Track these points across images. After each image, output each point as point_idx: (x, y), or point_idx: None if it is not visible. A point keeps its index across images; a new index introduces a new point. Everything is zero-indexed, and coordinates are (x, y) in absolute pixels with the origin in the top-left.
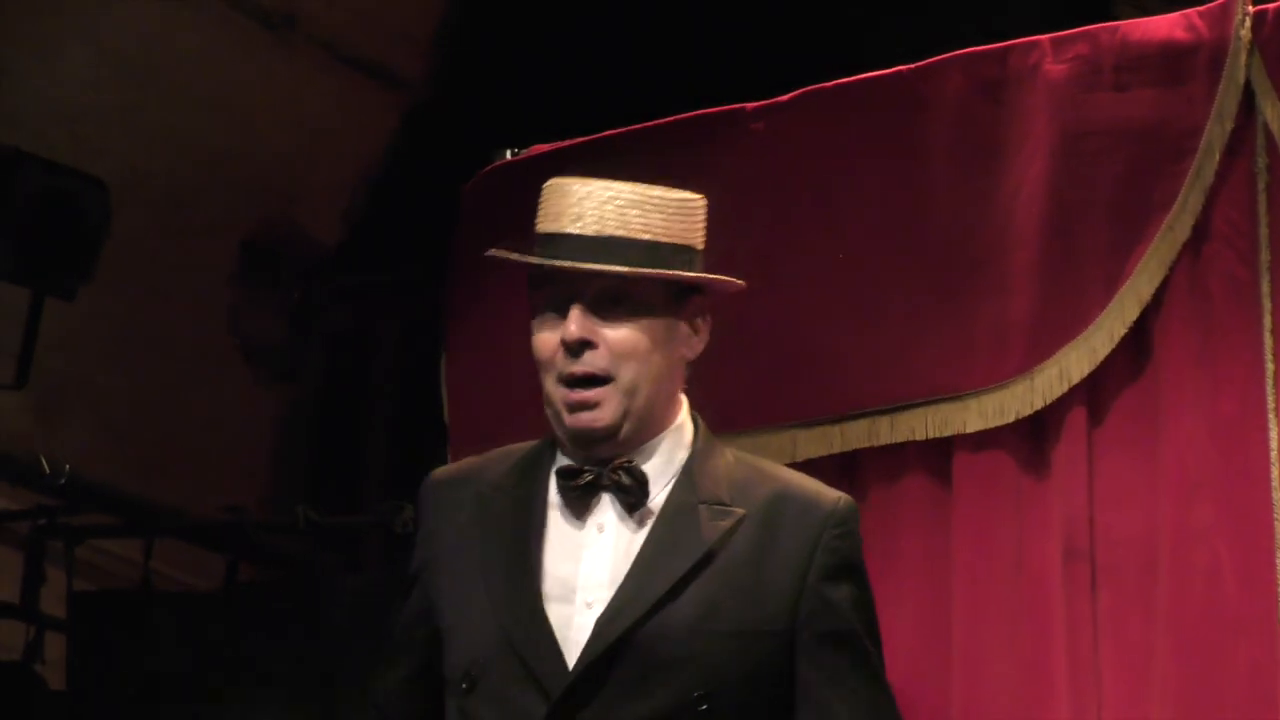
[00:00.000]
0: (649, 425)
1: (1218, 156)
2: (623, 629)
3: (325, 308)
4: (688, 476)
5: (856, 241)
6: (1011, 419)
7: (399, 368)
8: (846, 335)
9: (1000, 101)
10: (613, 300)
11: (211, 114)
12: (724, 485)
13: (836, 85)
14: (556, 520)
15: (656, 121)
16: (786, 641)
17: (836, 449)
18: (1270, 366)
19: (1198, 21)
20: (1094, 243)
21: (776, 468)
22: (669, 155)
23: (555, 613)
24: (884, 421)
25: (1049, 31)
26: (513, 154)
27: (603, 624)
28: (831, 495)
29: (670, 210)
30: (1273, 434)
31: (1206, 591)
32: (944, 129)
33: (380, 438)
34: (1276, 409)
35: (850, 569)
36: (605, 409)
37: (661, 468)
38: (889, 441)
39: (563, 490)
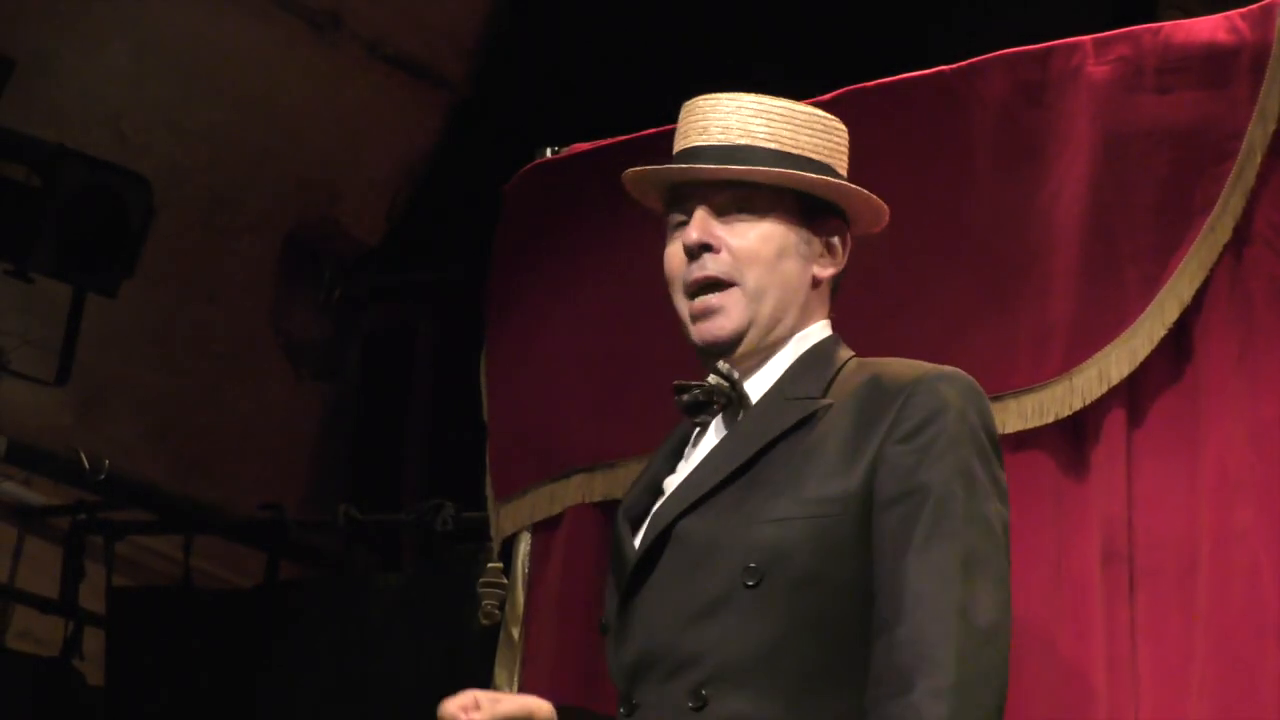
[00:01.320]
0: (775, 335)
1: (1260, 158)
2: (674, 515)
3: (366, 306)
4: (788, 377)
5: (896, 242)
6: (1051, 420)
7: (439, 366)
8: (886, 335)
9: (1041, 103)
10: (737, 207)
11: (254, 112)
12: (823, 382)
13: (878, 85)
14: (690, 445)
15: None
16: (858, 510)
17: None
18: None
19: (1240, 23)
20: (1134, 245)
21: (891, 360)
22: None
23: (645, 527)
24: None
25: (1091, 33)
26: (553, 152)
27: (655, 515)
28: (930, 367)
29: (800, 122)
30: None
31: (1246, 594)
32: (984, 130)
33: (420, 436)
34: None
35: (929, 425)
36: (730, 314)
37: (774, 374)
38: None
39: (679, 409)
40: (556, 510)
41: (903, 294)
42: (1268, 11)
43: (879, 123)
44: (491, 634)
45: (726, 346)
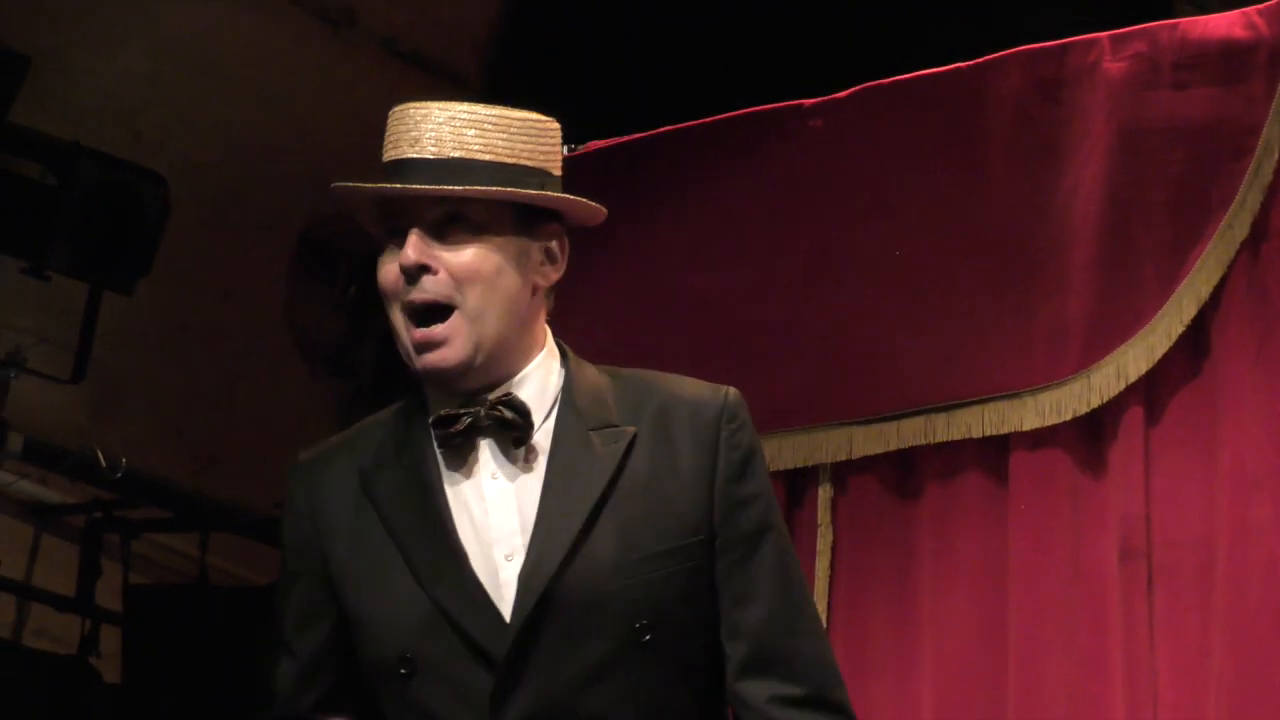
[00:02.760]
0: (506, 356)
1: (1277, 154)
2: (548, 577)
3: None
4: (569, 403)
5: (913, 239)
6: (1068, 417)
7: None
8: (903, 333)
9: (1058, 99)
10: (451, 222)
11: (269, 109)
12: (608, 405)
13: (894, 82)
14: (451, 477)
15: (714, 118)
16: (708, 560)
17: (893, 446)
18: None
19: (1257, 20)
20: (1152, 241)
21: (652, 375)
22: (727, 151)
23: (479, 573)
24: (940, 419)
25: (1107, 29)
26: (569, 150)
27: (526, 576)
28: (716, 391)
29: (514, 130)
30: None
31: (1263, 591)
32: (1002, 127)
33: None
34: None
35: (750, 460)
36: (453, 345)
37: (537, 399)
38: (945, 439)
39: (443, 442)
40: None
41: (919, 291)
42: None
43: (895, 120)
44: None
45: (453, 376)
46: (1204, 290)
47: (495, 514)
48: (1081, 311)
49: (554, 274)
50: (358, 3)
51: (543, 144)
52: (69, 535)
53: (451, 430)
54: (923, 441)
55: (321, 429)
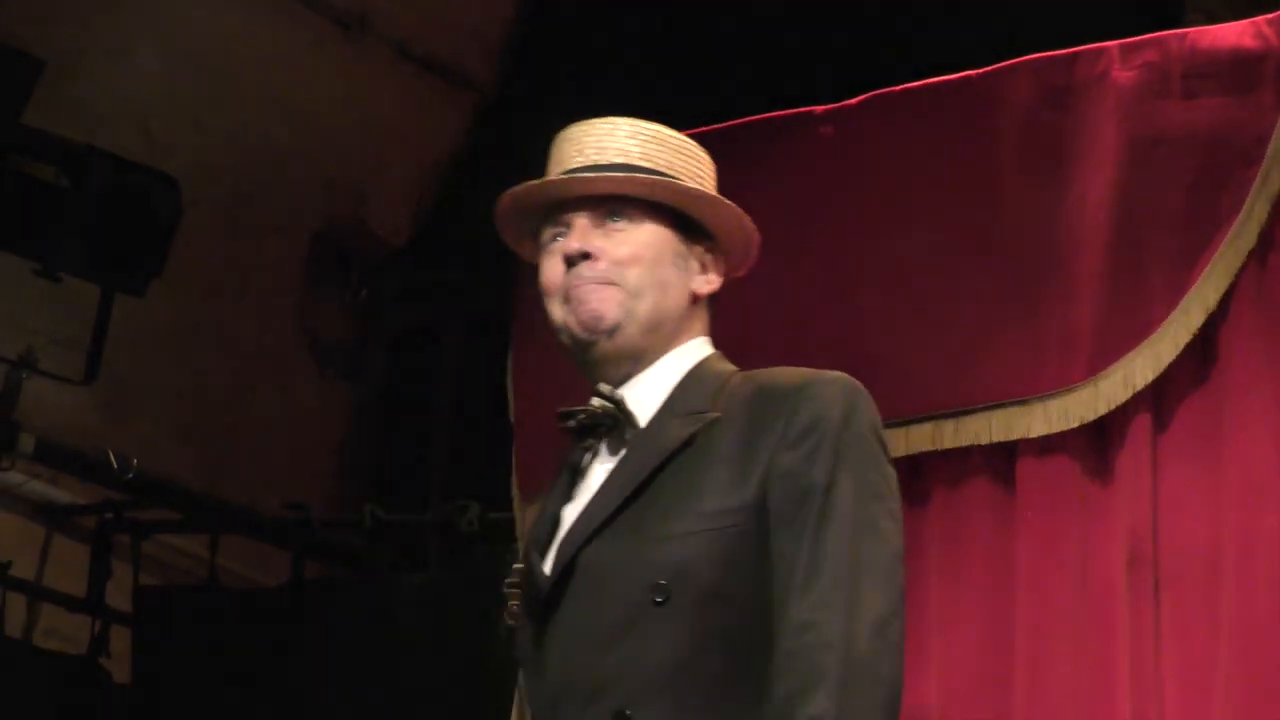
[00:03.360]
0: (652, 339)
1: None
2: (576, 546)
3: (392, 306)
4: (674, 395)
5: (923, 246)
6: (1076, 424)
7: (465, 366)
8: (912, 339)
9: (1068, 108)
10: (614, 218)
11: (282, 112)
12: (708, 396)
13: (905, 89)
14: (581, 472)
15: (724, 124)
16: (756, 520)
17: (901, 452)
18: None
19: (1266, 29)
20: (1160, 250)
21: (774, 369)
22: (737, 157)
23: (560, 548)
24: (949, 425)
25: (1117, 38)
26: None
27: (560, 547)
28: (814, 372)
29: (671, 147)
30: None
31: (1270, 600)
32: (1011, 135)
33: (446, 436)
34: None
35: (812, 432)
36: (608, 304)
37: (651, 394)
38: (953, 445)
39: (565, 433)
40: None
41: (928, 298)
42: None
43: (906, 127)
44: (514, 634)
45: (606, 332)
46: (1212, 299)
47: (581, 499)
48: (1089, 319)
49: (709, 286)
50: (370, 7)
51: (699, 166)
52: (80, 536)
53: (569, 424)
54: (931, 448)
55: (332, 431)
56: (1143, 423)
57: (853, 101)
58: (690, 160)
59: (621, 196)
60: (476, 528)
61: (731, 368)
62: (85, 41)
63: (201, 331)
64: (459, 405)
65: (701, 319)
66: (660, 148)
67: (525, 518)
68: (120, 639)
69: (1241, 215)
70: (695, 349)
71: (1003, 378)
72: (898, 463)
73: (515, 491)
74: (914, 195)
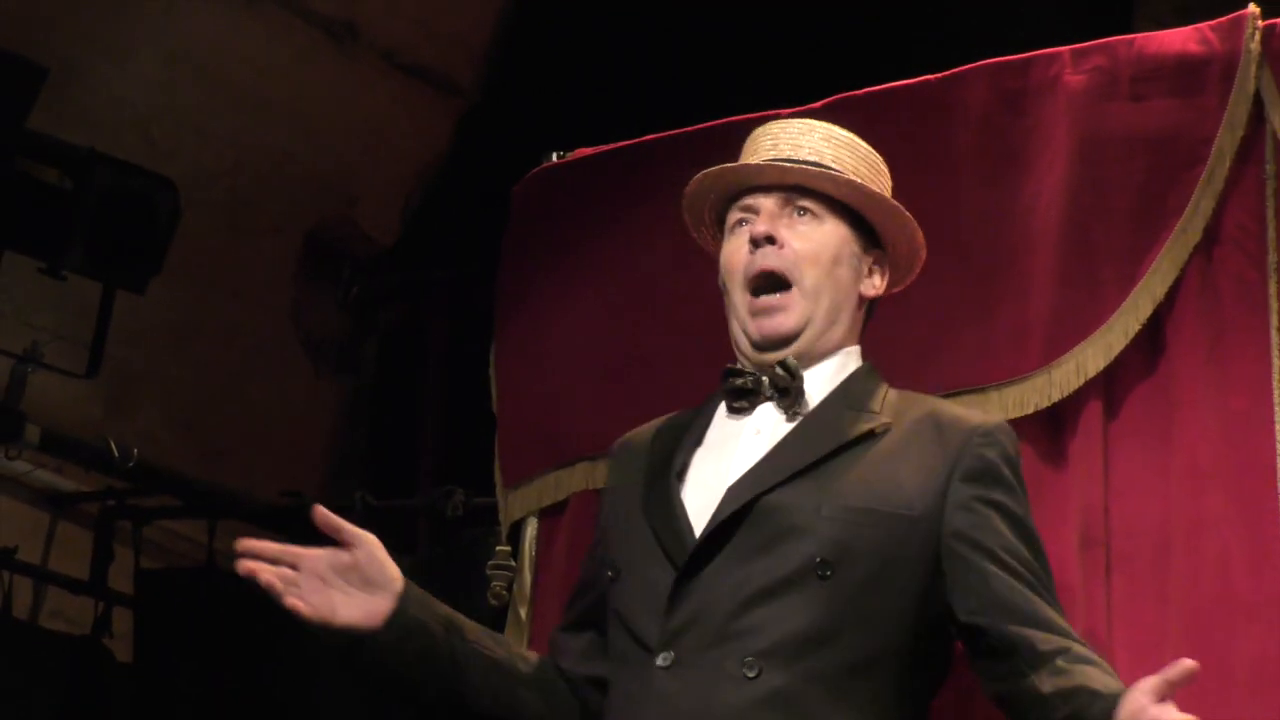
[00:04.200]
0: (827, 339)
1: (1228, 163)
2: (749, 497)
3: (382, 303)
4: (845, 388)
5: None
6: (1030, 411)
7: (451, 360)
8: (874, 332)
9: (1022, 110)
10: (799, 212)
11: (276, 118)
12: (876, 401)
13: (866, 93)
14: (719, 427)
15: (695, 126)
16: (924, 531)
17: None
18: (1277, 363)
19: (1210, 35)
20: (1110, 245)
21: (936, 399)
22: (707, 158)
23: (697, 499)
24: None
25: (1069, 44)
26: (559, 157)
27: (732, 492)
28: (986, 416)
29: (860, 155)
30: (1279, 428)
31: (1216, 578)
32: (968, 136)
33: (433, 426)
34: None
35: (994, 475)
36: (790, 313)
37: (824, 379)
38: None
39: (727, 393)
40: (562, 496)
41: (891, 291)
42: (1236, 24)
43: (866, 129)
44: (500, 614)
45: (785, 341)
46: (1159, 291)
47: (739, 457)
48: (1043, 311)
49: (874, 290)
50: (359, 17)
51: (881, 178)
52: (83, 522)
53: (735, 383)
54: None
55: (325, 422)
56: (1094, 409)
57: (816, 104)
58: (874, 171)
59: (810, 190)
60: (462, 512)
61: (885, 382)
62: (88, 50)
63: (200, 327)
64: (445, 397)
65: (860, 324)
66: (850, 154)
67: (508, 502)
68: (123, 620)
69: (1187, 212)
70: (855, 354)
71: (961, 367)
72: None
73: (498, 477)
74: None
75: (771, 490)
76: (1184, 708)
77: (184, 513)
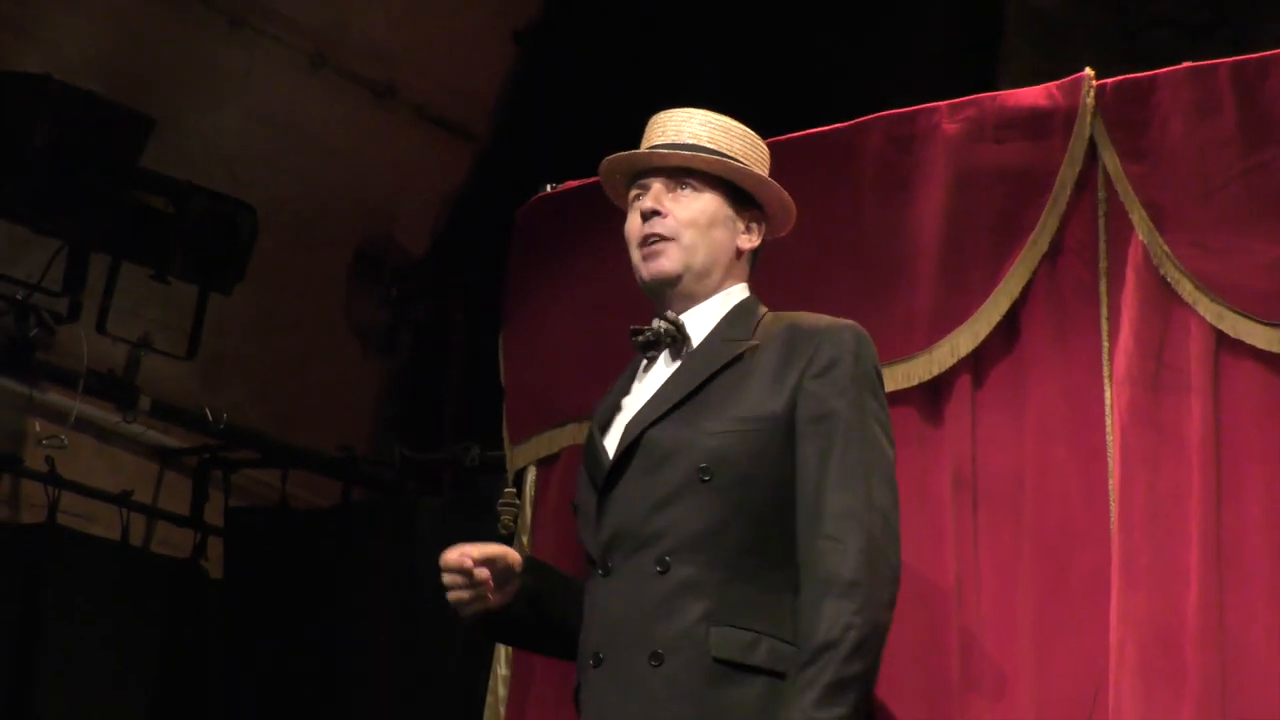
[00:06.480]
0: (705, 284)
1: (1069, 191)
2: (637, 433)
3: (415, 301)
4: (725, 322)
5: (808, 250)
6: (915, 383)
7: (470, 345)
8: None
9: (910, 150)
10: (680, 187)
11: (332, 158)
12: (749, 327)
13: (789, 138)
14: (639, 379)
15: None
16: (782, 426)
17: None
18: (1105, 345)
19: (1056, 92)
20: (977, 254)
21: (801, 313)
22: None
23: (613, 439)
24: None
25: (947, 99)
26: (553, 187)
27: (627, 427)
28: (836, 320)
29: (735, 135)
30: (1107, 395)
31: (1059, 510)
32: (870, 170)
33: (455, 395)
34: (1110, 376)
35: (836, 365)
36: (669, 257)
37: (702, 320)
38: None
39: (637, 348)
40: (555, 450)
41: (807, 289)
42: (1076, 84)
43: (791, 165)
44: (507, 540)
45: (668, 281)
46: (1015, 290)
47: (642, 394)
48: (925, 305)
49: (751, 244)
50: (398, 79)
51: (755, 151)
52: (185, 471)
53: (637, 339)
54: None
55: (371, 393)
56: (964, 382)
57: None
58: (749, 146)
59: (688, 169)
60: (478, 463)
61: (765, 307)
62: (186, 105)
63: (273, 320)
64: (464, 373)
65: (744, 269)
66: (725, 134)
67: (513, 454)
68: (215, 547)
69: (1037, 229)
70: (738, 291)
71: None
72: None
73: (505, 435)
74: (799, 215)
75: (654, 424)
76: (1032, 616)
77: (262, 464)
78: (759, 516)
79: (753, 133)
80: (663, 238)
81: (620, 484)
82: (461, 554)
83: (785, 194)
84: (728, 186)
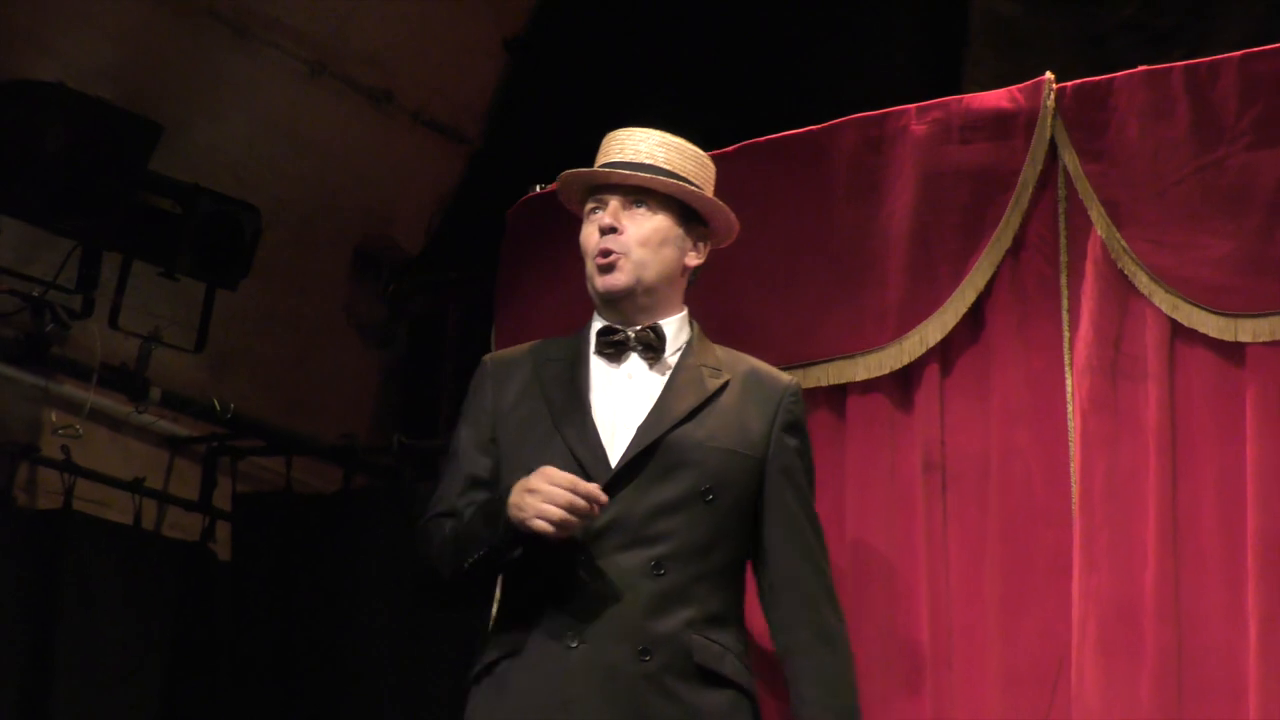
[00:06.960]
0: (657, 301)
1: (1031, 189)
2: (654, 437)
3: (411, 296)
4: (691, 349)
5: (783, 246)
6: (887, 371)
7: (463, 338)
8: (774, 313)
9: (880, 151)
10: (635, 205)
11: (331, 161)
12: (717, 358)
13: (767, 140)
14: (598, 372)
15: None
16: (758, 465)
17: None
18: (1066, 335)
19: (1018, 95)
20: (944, 249)
21: (748, 356)
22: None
23: (600, 428)
24: (799, 373)
25: (915, 101)
26: (541, 189)
27: (642, 432)
28: (786, 376)
29: (687, 155)
30: (1068, 382)
31: (1022, 492)
32: (841, 170)
33: (449, 387)
34: (1070, 364)
35: (798, 427)
36: (622, 271)
37: (673, 339)
38: (804, 387)
39: (600, 346)
40: None
41: (783, 282)
42: (1037, 87)
43: (768, 166)
44: None
45: (619, 294)
46: (980, 283)
47: (626, 399)
48: (896, 298)
49: (697, 260)
50: (394, 86)
51: (704, 171)
52: (194, 458)
53: (609, 339)
54: None
55: (370, 384)
56: (933, 370)
57: (730, 149)
58: (699, 166)
59: (646, 190)
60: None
61: (708, 338)
62: (193, 112)
63: (277, 315)
64: (458, 365)
65: (685, 283)
66: (680, 155)
67: None
68: (222, 530)
69: (1001, 225)
70: (687, 315)
71: (836, 339)
72: None
73: None
74: (774, 213)
75: (669, 433)
76: (998, 593)
77: (267, 451)
78: (736, 542)
79: (702, 153)
80: (617, 253)
81: (628, 481)
82: (593, 490)
83: (731, 214)
84: (679, 206)
